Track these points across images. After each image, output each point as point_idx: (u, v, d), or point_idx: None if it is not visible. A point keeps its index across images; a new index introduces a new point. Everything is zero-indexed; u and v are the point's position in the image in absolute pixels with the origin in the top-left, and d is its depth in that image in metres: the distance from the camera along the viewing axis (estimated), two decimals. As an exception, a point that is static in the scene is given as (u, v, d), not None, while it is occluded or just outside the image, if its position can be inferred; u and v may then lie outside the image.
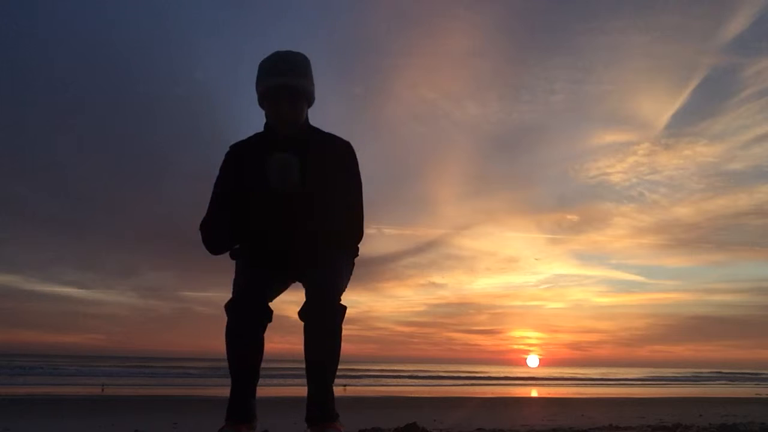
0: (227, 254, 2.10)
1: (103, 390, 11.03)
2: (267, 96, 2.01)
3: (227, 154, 2.13)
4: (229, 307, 2.00)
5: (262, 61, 2.04)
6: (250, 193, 2.01)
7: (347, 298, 2.03)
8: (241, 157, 2.09)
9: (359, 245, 2.14)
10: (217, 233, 2.05)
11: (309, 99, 2.08)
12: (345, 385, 13.30)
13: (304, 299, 2.02)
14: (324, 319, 1.97)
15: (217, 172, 2.14)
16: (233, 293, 2.02)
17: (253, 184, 2.00)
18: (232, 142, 2.16)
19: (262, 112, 2.12)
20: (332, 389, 2.04)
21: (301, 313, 1.99)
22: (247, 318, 2.00)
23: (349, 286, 2.11)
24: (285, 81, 1.97)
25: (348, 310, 1.98)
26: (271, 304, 2.08)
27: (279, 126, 2.04)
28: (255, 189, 1.99)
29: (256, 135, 2.14)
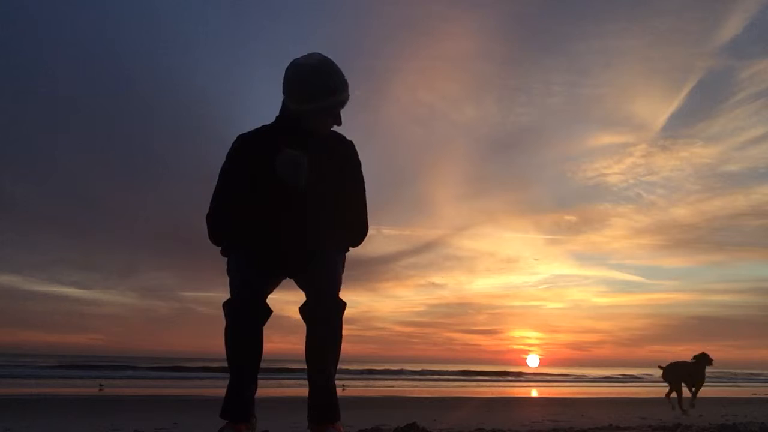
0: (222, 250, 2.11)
1: (100, 389, 11.00)
2: (332, 106, 2.02)
3: (235, 144, 2.11)
4: (228, 307, 2.00)
5: (320, 67, 1.99)
6: (257, 184, 2.01)
7: (347, 298, 2.04)
8: (250, 149, 2.08)
9: (363, 240, 2.16)
10: (223, 225, 2.06)
11: None
12: (344, 386, 13.30)
13: (305, 298, 2.03)
14: (327, 319, 1.99)
15: (216, 173, 2.15)
16: (231, 293, 2.02)
17: (261, 177, 2.00)
18: (240, 134, 2.13)
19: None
20: (335, 389, 2.05)
21: (303, 312, 2.01)
22: (246, 319, 2.01)
23: (349, 286, 2.13)
24: (348, 95, 2.05)
25: (348, 310, 2.00)
26: (270, 304, 2.09)
27: (323, 131, 2.09)
28: (263, 181, 2.00)
29: (264, 127, 2.13)
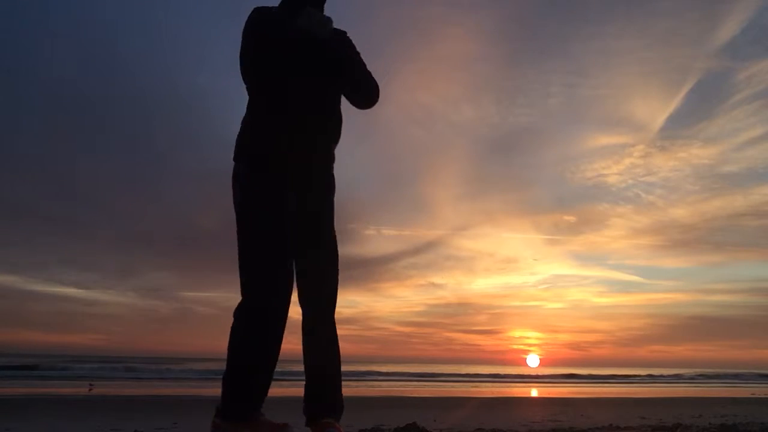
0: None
1: (90, 389, 10.90)
2: None
3: (252, 14, 2.17)
4: (245, 312, 2.01)
5: None
6: (276, 43, 2.08)
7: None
8: (268, 16, 2.16)
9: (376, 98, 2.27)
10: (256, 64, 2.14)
11: None
12: None
13: (299, 294, 2.03)
14: (325, 333, 2.00)
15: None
16: (252, 286, 2.04)
17: (279, 36, 2.08)
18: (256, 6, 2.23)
19: None
20: (338, 387, 2.04)
21: (304, 325, 2.02)
22: (270, 329, 2.01)
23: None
24: None
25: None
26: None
27: None
28: (282, 39, 2.07)
29: (279, 6, 2.23)
